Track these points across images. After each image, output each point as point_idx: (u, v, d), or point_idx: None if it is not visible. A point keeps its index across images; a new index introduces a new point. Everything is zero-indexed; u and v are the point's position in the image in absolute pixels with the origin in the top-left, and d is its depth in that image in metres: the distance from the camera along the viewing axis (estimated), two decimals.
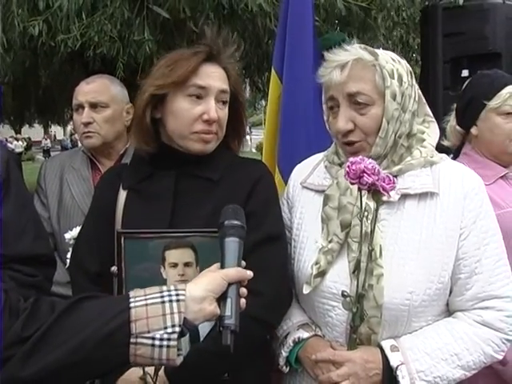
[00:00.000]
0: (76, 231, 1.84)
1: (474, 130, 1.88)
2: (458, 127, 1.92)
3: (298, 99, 2.22)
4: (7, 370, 0.91)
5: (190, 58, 1.40)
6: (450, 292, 1.40)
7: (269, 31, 3.51)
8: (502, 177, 1.85)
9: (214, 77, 1.42)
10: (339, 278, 1.37)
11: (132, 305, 0.98)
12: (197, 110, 1.41)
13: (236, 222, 1.14)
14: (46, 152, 26.53)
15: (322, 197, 1.45)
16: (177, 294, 1.00)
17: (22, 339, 0.93)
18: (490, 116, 1.84)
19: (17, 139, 25.99)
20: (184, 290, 1.01)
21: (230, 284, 1.05)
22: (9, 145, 21.98)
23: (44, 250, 1.38)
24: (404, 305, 1.33)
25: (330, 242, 1.38)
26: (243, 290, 1.09)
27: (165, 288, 1.02)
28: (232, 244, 1.11)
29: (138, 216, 1.42)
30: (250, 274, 1.09)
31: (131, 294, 1.01)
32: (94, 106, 2.17)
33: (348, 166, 1.22)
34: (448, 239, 1.36)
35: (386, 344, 1.35)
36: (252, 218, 1.33)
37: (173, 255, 1.33)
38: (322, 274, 1.38)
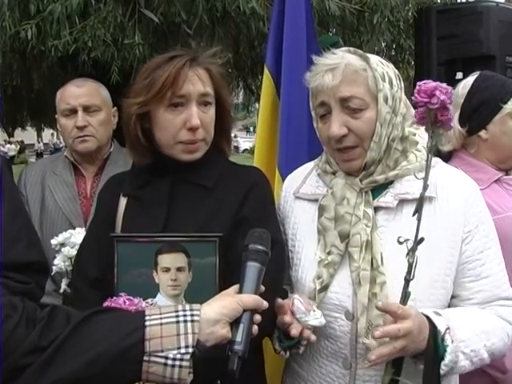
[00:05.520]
0: (63, 237, 1.82)
1: (483, 134, 1.82)
2: (462, 131, 1.86)
3: (299, 103, 2.11)
4: (25, 379, 0.91)
5: (165, 67, 1.38)
6: (452, 297, 1.38)
7: (262, 34, 3.49)
8: (496, 181, 1.81)
9: (192, 80, 1.39)
10: (341, 289, 1.36)
11: (147, 323, 0.98)
12: (179, 119, 1.40)
13: (260, 247, 1.14)
14: (40, 155, 26.43)
15: (315, 205, 1.43)
16: (192, 315, 1.00)
17: (38, 348, 0.93)
18: (505, 120, 1.80)
19: (10, 142, 25.86)
20: (199, 310, 1.01)
21: (244, 310, 1.05)
22: (1, 148, 21.90)
23: (37, 257, 1.37)
24: None
25: (328, 253, 1.36)
26: (257, 317, 1.08)
27: (180, 307, 1.02)
28: (253, 269, 1.11)
29: (135, 222, 1.44)
30: (265, 304, 1.09)
31: (147, 311, 1.01)
32: (87, 109, 2.13)
33: (419, 85, 1.13)
34: (450, 244, 1.35)
35: (429, 311, 1.28)
36: (247, 222, 1.34)
37: (165, 260, 1.32)
38: (325, 288, 1.36)
